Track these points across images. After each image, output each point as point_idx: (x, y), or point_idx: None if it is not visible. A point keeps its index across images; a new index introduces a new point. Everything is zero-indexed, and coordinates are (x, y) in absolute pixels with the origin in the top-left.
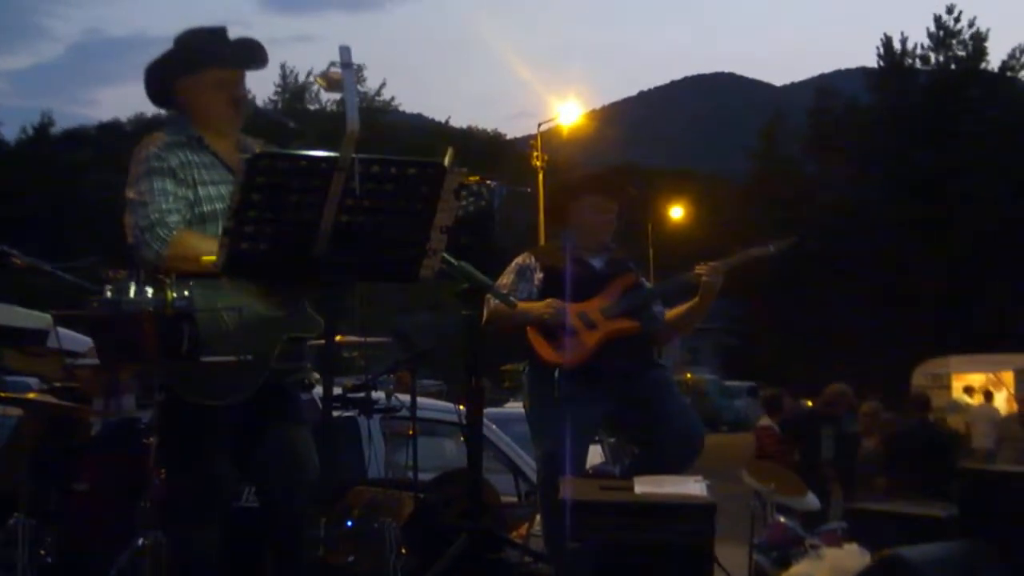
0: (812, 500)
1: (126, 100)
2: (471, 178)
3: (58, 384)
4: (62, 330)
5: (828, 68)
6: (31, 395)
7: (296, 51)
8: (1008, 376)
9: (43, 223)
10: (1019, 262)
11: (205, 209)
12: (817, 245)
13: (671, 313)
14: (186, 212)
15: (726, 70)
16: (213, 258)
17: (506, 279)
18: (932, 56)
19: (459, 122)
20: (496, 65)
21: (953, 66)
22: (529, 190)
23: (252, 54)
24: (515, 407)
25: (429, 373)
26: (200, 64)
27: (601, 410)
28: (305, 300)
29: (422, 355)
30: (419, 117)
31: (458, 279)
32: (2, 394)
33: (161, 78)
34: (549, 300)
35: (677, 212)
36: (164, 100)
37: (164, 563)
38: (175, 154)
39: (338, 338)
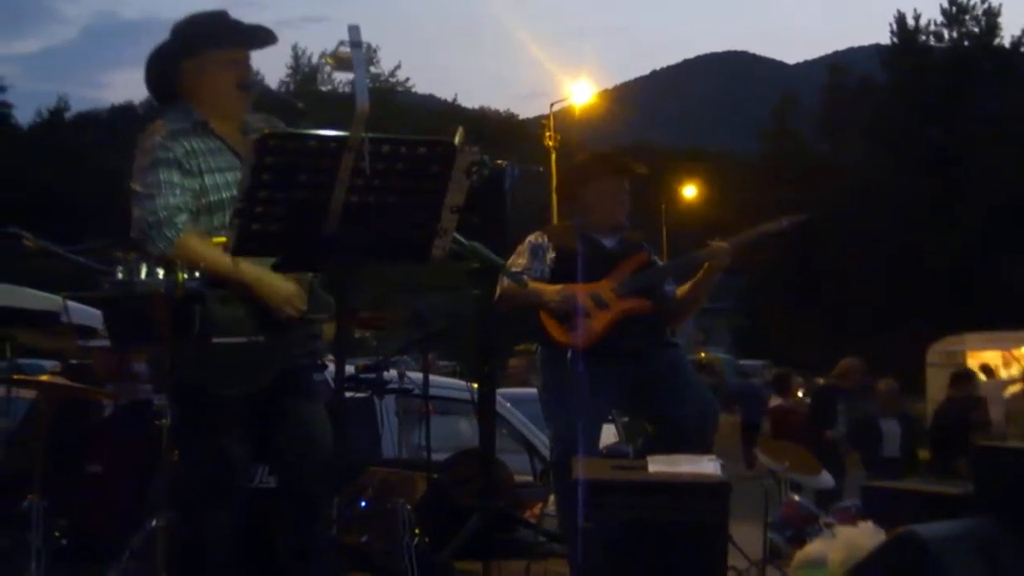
0: (826, 478)
1: (139, 83)
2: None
3: (74, 361)
4: (75, 304)
5: (841, 46)
6: (45, 377)
7: (308, 32)
8: (1023, 353)
9: (55, 206)
10: None
11: (212, 199)
12: (830, 223)
13: (680, 291)
14: (193, 204)
15: (739, 49)
16: (224, 239)
17: (520, 259)
18: (945, 33)
19: (472, 102)
20: (509, 45)
21: (966, 42)
22: (542, 170)
23: (256, 34)
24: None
25: (442, 354)
26: (203, 45)
27: (614, 390)
28: (316, 282)
29: (435, 335)
30: (431, 98)
31: (470, 259)
32: (16, 376)
33: (163, 65)
34: (561, 287)
35: (690, 191)
36: (165, 90)
37: (177, 544)
38: (180, 143)
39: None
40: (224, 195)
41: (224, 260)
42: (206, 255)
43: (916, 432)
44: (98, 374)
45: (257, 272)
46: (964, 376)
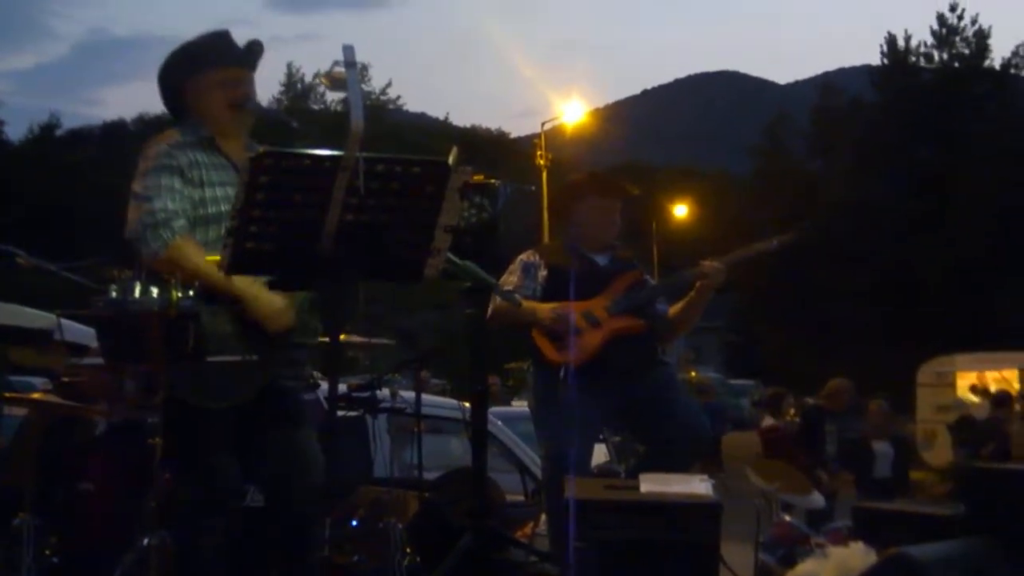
0: (817, 498)
1: (131, 99)
2: (476, 177)
3: (65, 379)
4: (69, 322)
5: (832, 66)
6: (36, 395)
7: (301, 50)
8: (1012, 374)
9: (48, 223)
10: None
11: (210, 211)
12: (821, 241)
13: (672, 310)
14: (191, 213)
15: (730, 68)
16: (218, 258)
17: (512, 276)
18: (935, 54)
19: (463, 121)
20: (500, 64)
21: (956, 64)
22: (533, 189)
23: (251, 51)
24: (520, 405)
25: (432, 372)
26: (200, 66)
27: (606, 409)
28: (305, 306)
29: (428, 354)
30: (423, 116)
31: (462, 278)
32: (7, 394)
33: (169, 83)
34: (554, 305)
35: (681, 210)
36: (176, 105)
37: (169, 563)
38: (185, 153)
39: (342, 337)
40: (222, 208)
41: (215, 271)
42: (197, 262)
43: (908, 453)
44: (88, 392)
45: (247, 284)
46: (1006, 398)
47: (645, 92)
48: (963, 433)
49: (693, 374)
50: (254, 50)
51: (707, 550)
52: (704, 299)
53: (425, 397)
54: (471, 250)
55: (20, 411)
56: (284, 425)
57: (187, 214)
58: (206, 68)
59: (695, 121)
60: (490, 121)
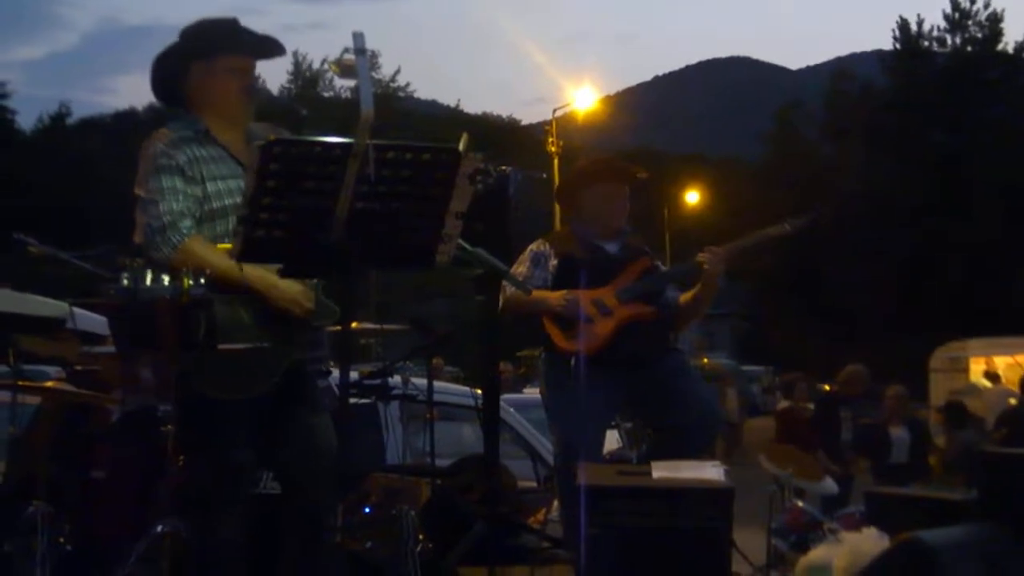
0: (830, 484)
1: (142, 88)
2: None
3: (78, 367)
4: (82, 311)
5: (844, 51)
6: (50, 383)
7: (310, 38)
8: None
9: (59, 212)
10: None
11: (214, 205)
12: (833, 227)
13: (682, 298)
14: (196, 210)
15: (741, 54)
16: (229, 246)
17: (521, 267)
18: (948, 38)
19: (474, 108)
20: (511, 51)
21: (969, 48)
22: (544, 176)
23: (267, 45)
24: (532, 393)
25: (447, 360)
26: (214, 50)
27: (618, 396)
28: (319, 288)
29: (441, 340)
30: (433, 104)
31: (473, 265)
32: (21, 382)
33: (171, 66)
34: (564, 292)
35: (693, 197)
36: (170, 93)
37: (183, 550)
38: (182, 150)
39: (354, 325)
40: (227, 202)
41: (229, 264)
42: (210, 260)
43: (925, 439)
44: (108, 380)
45: (262, 275)
46: None
47: (657, 79)
48: (953, 418)
49: (705, 360)
50: (268, 46)
51: (719, 536)
52: (710, 288)
53: (437, 384)
54: (482, 237)
55: (34, 399)
56: (302, 410)
57: (193, 212)
58: (218, 53)
59: (706, 107)
60: (501, 108)
